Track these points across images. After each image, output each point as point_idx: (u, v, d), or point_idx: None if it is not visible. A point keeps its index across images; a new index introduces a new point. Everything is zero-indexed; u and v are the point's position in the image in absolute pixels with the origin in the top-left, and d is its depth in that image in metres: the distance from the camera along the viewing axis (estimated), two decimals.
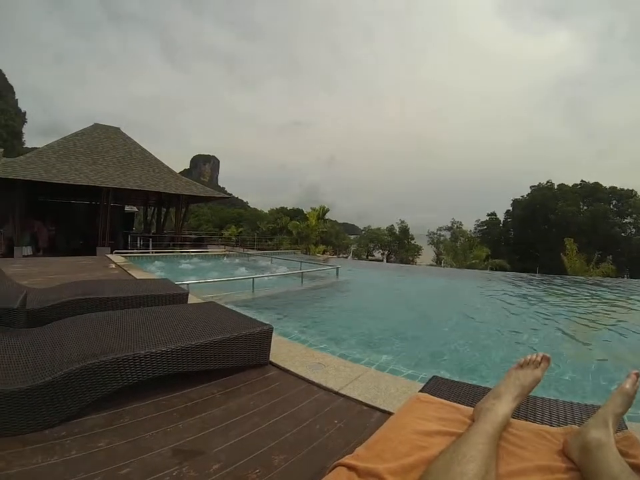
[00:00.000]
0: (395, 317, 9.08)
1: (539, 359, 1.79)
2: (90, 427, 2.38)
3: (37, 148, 23.27)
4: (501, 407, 1.54)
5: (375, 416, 2.74)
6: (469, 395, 2.05)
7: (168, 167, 25.78)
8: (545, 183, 68.86)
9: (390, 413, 2.64)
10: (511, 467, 1.24)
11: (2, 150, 27.24)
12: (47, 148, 21.49)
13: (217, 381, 3.18)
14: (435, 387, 2.17)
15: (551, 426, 1.67)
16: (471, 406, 1.71)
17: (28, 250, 18.84)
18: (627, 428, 1.62)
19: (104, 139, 24.29)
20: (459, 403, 1.83)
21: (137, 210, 35.03)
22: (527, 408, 1.90)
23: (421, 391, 2.06)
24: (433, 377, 2.38)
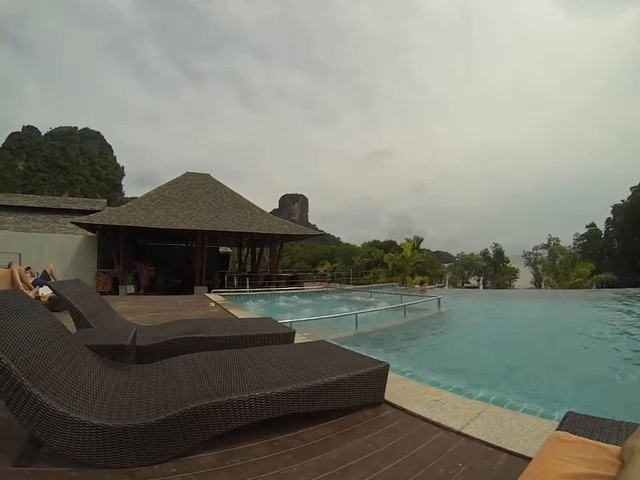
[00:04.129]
0: (506, 347, 8.61)
1: None
2: (201, 465, 2.35)
3: (135, 197, 25.12)
4: None
5: (502, 458, 2.51)
6: (612, 432, 1.84)
7: (259, 208, 26.70)
8: None
9: (516, 454, 2.49)
10: None
11: (105, 200, 29.40)
12: (145, 197, 23.48)
13: (332, 422, 3.07)
14: (572, 424, 1.96)
15: None
16: (615, 444, 1.54)
17: (131, 288, 20.40)
18: None
19: (196, 186, 25.80)
20: (601, 441, 1.65)
21: (230, 250, 36.24)
22: None
23: (558, 429, 1.90)
24: (569, 412, 2.14)
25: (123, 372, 3.11)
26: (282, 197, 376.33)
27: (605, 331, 10.11)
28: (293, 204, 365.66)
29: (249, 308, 13.01)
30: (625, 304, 14.31)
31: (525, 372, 6.50)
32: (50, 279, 11.11)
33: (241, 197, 26.86)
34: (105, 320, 4.90)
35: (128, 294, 18.93)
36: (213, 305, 12.16)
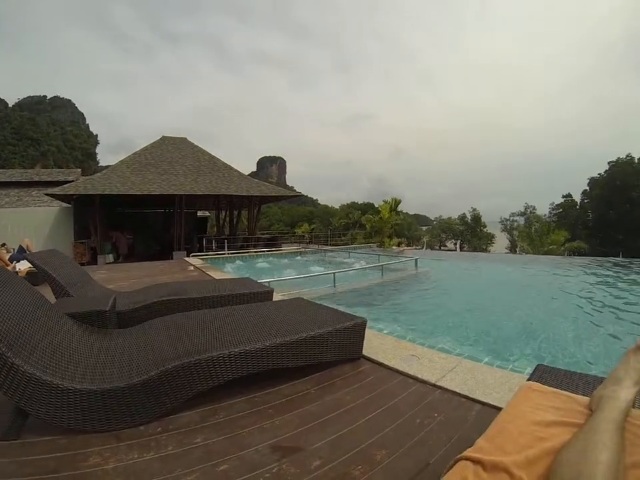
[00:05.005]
0: (481, 305, 8.91)
1: None
2: (185, 423, 2.41)
3: (110, 165, 24.46)
4: (622, 392, 1.42)
5: (475, 409, 2.64)
6: (579, 383, 1.93)
7: (237, 171, 26.40)
8: (625, 157, 63.67)
9: (489, 405, 2.61)
10: (635, 458, 1.16)
11: (80, 170, 28.79)
12: (120, 164, 22.91)
13: (311, 377, 3.16)
14: (542, 376, 2.04)
15: None
16: (582, 394, 1.63)
17: (110, 258, 20.19)
18: None
19: (172, 150, 25.37)
20: (570, 392, 1.72)
21: (209, 214, 35.98)
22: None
23: (528, 380, 1.97)
24: (539, 365, 2.22)
25: (104, 337, 3.13)
26: (260, 159, 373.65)
27: (566, 293, 10.45)
28: (271, 166, 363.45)
29: (228, 270, 13.04)
30: (588, 270, 14.66)
31: (490, 328, 6.72)
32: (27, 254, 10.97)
33: (218, 159, 26.55)
34: (84, 288, 4.89)
35: (107, 263, 18.72)
36: (192, 268, 12.15)
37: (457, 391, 2.87)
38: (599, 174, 64.94)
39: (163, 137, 26.49)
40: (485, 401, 2.68)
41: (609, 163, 63.96)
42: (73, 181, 23.89)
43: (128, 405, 2.33)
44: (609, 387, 1.48)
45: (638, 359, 1.58)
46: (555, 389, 1.72)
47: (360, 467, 1.97)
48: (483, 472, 1.15)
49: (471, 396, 2.78)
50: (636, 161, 60.44)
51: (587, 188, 66.50)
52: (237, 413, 2.55)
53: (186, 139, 27.46)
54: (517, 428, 1.39)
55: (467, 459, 1.23)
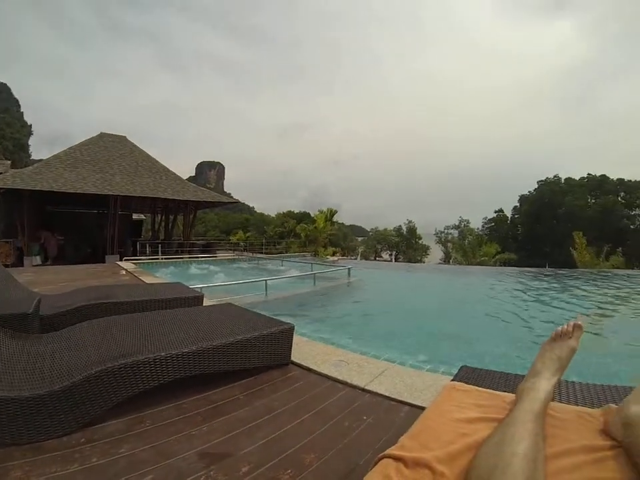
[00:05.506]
0: (408, 311, 9.23)
1: (570, 328, 1.73)
2: (110, 432, 2.32)
3: (43, 159, 23.34)
4: (541, 383, 1.50)
5: (404, 410, 2.70)
6: (502, 382, 2.01)
7: (175, 174, 25.95)
8: (552, 177, 68.96)
9: (418, 407, 2.65)
10: (555, 449, 1.20)
11: (9, 162, 27.27)
12: (53, 158, 21.69)
13: (240, 382, 3.14)
14: (466, 375, 2.12)
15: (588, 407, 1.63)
16: (508, 392, 1.67)
17: (37, 260, 18.96)
18: None
19: (110, 148, 24.50)
20: (494, 390, 1.79)
21: (144, 217, 35.14)
22: (568, 392, 1.90)
23: (452, 380, 2.03)
24: (463, 366, 2.32)
25: (25, 342, 2.96)
26: (199, 163, 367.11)
27: (492, 300, 11.22)
28: (209, 171, 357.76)
29: (161, 275, 12.80)
30: (515, 279, 15.64)
31: (418, 334, 6.97)
32: None
33: (157, 161, 26.02)
34: (4, 290, 4.57)
35: (34, 265, 17.62)
36: (124, 272, 11.86)
37: (386, 394, 2.94)
38: (528, 191, 71.05)
39: (102, 133, 25.54)
40: (413, 402, 2.76)
41: (538, 182, 70.51)
42: (0, 173, 22.63)
43: (50, 413, 2.21)
44: (529, 380, 1.55)
45: (553, 350, 1.66)
46: (478, 388, 1.79)
47: (289, 470, 1.98)
48: (405, 468, 1.17)
49: (399, 398, 2.85)
50: (562, 181, 65.46)
51: (518, 204, 71.35)
52: (164, 420, 2.50)
53: (125, 137, 26.64)
54: (440, 425, 1.43)
55: (389, 456, 1.25)
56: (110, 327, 3.33)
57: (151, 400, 2.70)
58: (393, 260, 48.80)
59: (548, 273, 17.06)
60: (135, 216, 31.94)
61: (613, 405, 1.46)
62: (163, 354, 2.67)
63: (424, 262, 49.94)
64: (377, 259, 53.54)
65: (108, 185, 20.82)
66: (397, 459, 1.21)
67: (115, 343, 2.88)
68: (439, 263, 44.76)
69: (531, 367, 1.66)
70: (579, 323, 1.73)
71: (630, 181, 61.88)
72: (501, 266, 29.87)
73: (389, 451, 1.27)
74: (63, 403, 2.26)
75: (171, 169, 26.37)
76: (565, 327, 1.74)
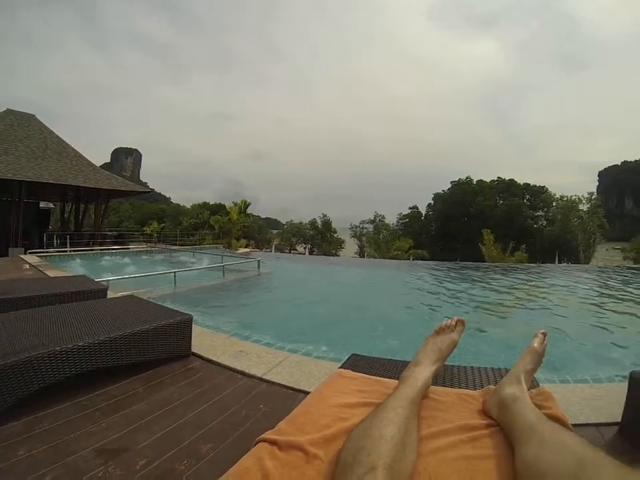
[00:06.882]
0: (314, 304, 9.44)
1: (453, 323, 1.92)
2: (7, 436, 2.28)
3: None
4: (420, 371, 1.63)
5: (299, 398, 2.70)
6: (390, 369, 2.11)
7: (87, 160, 24.62)
8: (465, 178, 73.90)
9: None
10: (433, 429, 1.33)
11: None
12: None
13: (140, 376, 3.16)
14: (355, 363, 2.23)
15: (471, 389, 1.81)
16: (393, 379, 1.78)
17: None
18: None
19: (16, 127, 22.71)
20: (381, 376, 1.91)
21: (53, 207, 33.11)
22: (452, 376, 2.03)
23: (340, 367, 2.12)
24: (352, 354, 2.43)
25: None
26: (115, 150, 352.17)
27: (397, 292, 11.95)
28: (126, 158, 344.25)
29: (68, 268, 12.29)
30: (432, 270, 16.64)
31: (324, 325, 7.20)
32: None
33: (68, 145, 24.45)
34: None
35: None
36: (27, 267, 11.26)
37: (283, 383, 3.05)
38: (442, 190, 75.14)
39: (8, 109, 23.62)
40: (309, 390, 2.77)
41: (451, 182, 75.67)
42: None
43: None
44: (411, 369, 1.67)
45: (435, 342, 1.82)
46: (364, 375, 1.90)
47: (185, 461, 2.03)
48: (279, 451, 1.23)
49: (296, 387, 2.97)
50: (474, 182, 70.00)
51: (432, 202, 74.91)
52: (63, 418, 2.47)
53: (34, 116, 24.73)
54: (319, 410, 1.50)
55: (264, 440, 1.32)
56: (4, 323, 3.21)
57: (50, 398, 2.67)
58: (307, 253, 49.37)
59: (455, 267, 18.05)
60: (42, 204, 29.97)
61: (492, 386, 1.65)
62: (57, 349, 2.64)
63: (338, 255, 50.80)
64: (292, 251, 53.88)
65: (11, 169, 19.19)
66: (272, 442, 1.28)
67: (8, 339, 2.79)
68: (353, 257, 45.71)
69: (414, 357, 1.79)
70: (462, 319, 1.92)
71: (535, 185, 68.98)
72: (414, 260, 31.21)
73: (264, 435, 1.35)
74: None
75: (85, 154, 25.02)
76: (449, 321, 1.92)
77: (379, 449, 1.05)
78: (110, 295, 5.41)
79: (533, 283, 13.46)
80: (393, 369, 2.10)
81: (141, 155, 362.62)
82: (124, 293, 6.49)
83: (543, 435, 1.10)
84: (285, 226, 64.44)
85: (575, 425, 2.21)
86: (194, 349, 3.73)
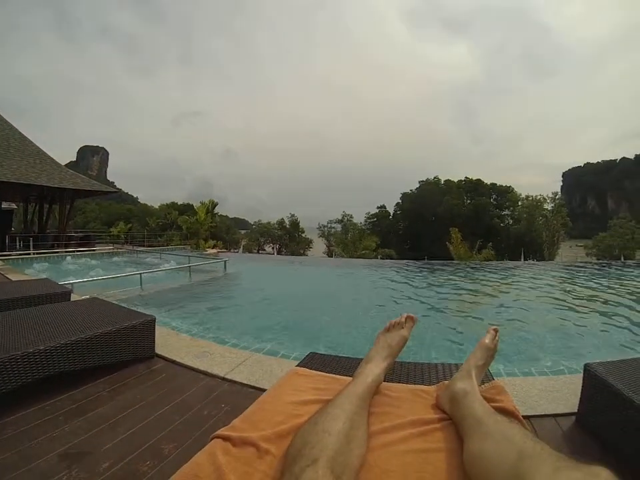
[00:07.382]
0: (278, 303, 9.61)
1: (403, 319, 1.96)
2: None
3: None
4: (371, 368, 1.68)
5: (260, 396, 2.86)
6: (346, 366, 2.16)
7: (51, 158, 23.89)
8: (433, 178, 75.59)
9: None
10: (385, 424, 1.39)
11: None
12: None
13: (103, 379, 3.15)
14: (313, 361, 2.28)
15: (426, 385, 1.87)
16: (349, 376, 1.81)
17: None
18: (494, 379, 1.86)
19: None
20: (337, 374, 1.97)
21: (15, 207, 32.24)
22: (408, 373, 2.09)
23: (297, 365, 2.18)
24: (310, 352, 2.48)
25: None
26: (81, 148, 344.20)
27: (358, 289, 12.40)
28: (92, 157, 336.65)
29: (31, 272, 12.16)
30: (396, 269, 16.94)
31: (286, 323, 7.31)
32: None
33: (31, 142, 23.65)
34: None
35: None
36: None
37: (245, 382, 3.09)
38: (410, 190, 75.91)
39: None
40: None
41: (419, 182, 77.48)
42: None
43: None
44: (363, 366, 1.72)
45: (386, 339, 1.87)
46: (320, 372, 1.95)
47: (148, 462, 2.04)
48: (232, 447, 1.27)
49: (257, 385, 3.01)
50: (442, 182, 71.47)
51: (400, 201, 75.66)
52: (27, 424, 2.46)
53: None
54: (274, 407, 1.56)
55: (219, 437, 1.35)
56: None
57: (13, 405, 2.64)
58: (276, 253, 49.53)
59: (423, 265, 18.47)
60: (4, 205, 29.21)
61: (445, 382, 1.70)
62: (18, 353, 2.62)
63: (307, 255, 51.02)
64: (260, 251, 53.90)
65: None
66: (226, 438, 1.33)
67: None
68: (321, 256, 45.96)
69: (367, 354, 1.85)
70: (412, 315, 1.97)
71: (501, 186, 70.69)
72: (382, 259, 31.59)
73: (218, 432, 1.38)
74: None
75: (49, 152, 24.26)
76: (399, 318, 1.96)
77: (322, 443, 1.09)
78: (74, 298, 5.36)
79: (499, 279, 13.90)
80: (350, 366, 2.14)
81: (108, 153, 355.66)
82: (87, 296, 6.49)
83: (488, 428, 1.17)
84: (254, 226, 64.42)
85: (534, 417, 2.40)
86: (158, 350, 3.74)
